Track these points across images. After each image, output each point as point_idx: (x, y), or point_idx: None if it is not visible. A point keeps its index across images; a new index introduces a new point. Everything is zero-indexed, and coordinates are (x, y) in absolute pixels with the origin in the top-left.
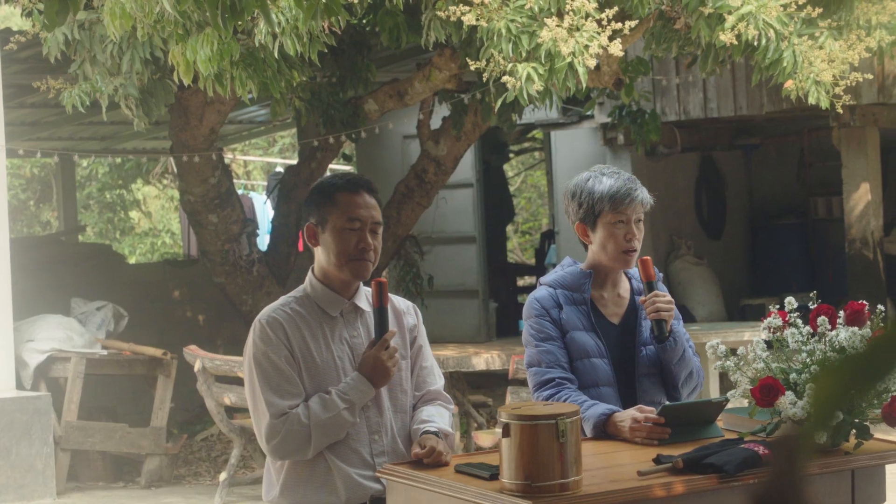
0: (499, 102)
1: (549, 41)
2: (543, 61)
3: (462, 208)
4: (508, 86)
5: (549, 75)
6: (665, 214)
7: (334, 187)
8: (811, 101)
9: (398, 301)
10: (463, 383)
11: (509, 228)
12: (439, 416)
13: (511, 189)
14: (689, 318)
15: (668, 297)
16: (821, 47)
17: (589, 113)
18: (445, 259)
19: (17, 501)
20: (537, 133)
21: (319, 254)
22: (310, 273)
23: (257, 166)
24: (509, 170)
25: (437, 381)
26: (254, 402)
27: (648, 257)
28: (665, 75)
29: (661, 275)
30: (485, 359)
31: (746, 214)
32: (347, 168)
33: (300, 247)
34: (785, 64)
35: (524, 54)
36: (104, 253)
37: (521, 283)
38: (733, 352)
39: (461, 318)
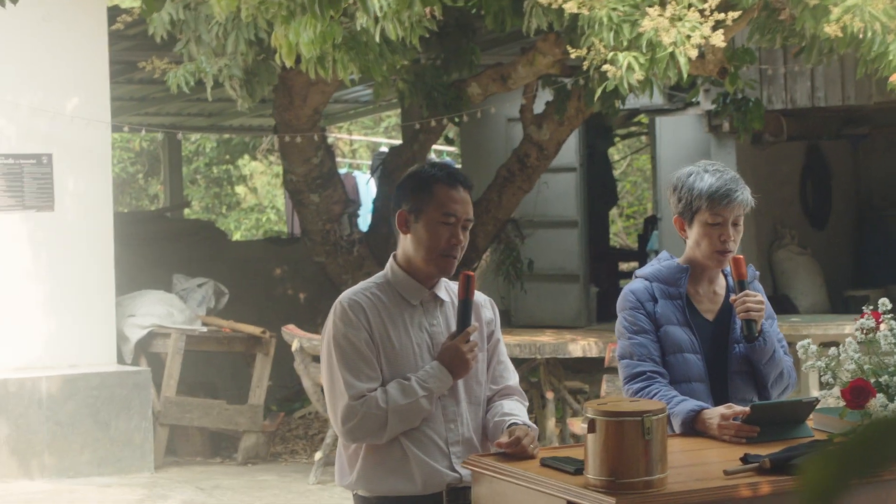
0: (599, 91)
1: (650, 31)
2: (644, 51)
3: (564, 192)
4: (609, 74)
5: (649, 65)
6: (769, 203)
7: (433, 178)
8: None
9: (476, 294)
10: (559, 369)
11: (613, 213)
12: (520, 411)
13: (616, 173)
14: (791, 308)
15: (760, 298)
16: None
17: (694, 100)
18: (547, 243)
19: (116, 474)
20: (643, 118)
21: (407, 242)
22: (392, 259)
23: (363, 145)
24: (615, 153)
25: (513, 377)
26: (331, 383)
27: (741, 256)
28: (772, 64)
29: (756, 273)
30: (581, 346)
31: (852, 205)
32: (451, 150)
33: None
34: (891, 57)
35: (625, 43)
36: (207, 229)
37: (623, 267)
38: (831, 346)
39: (561, 303)
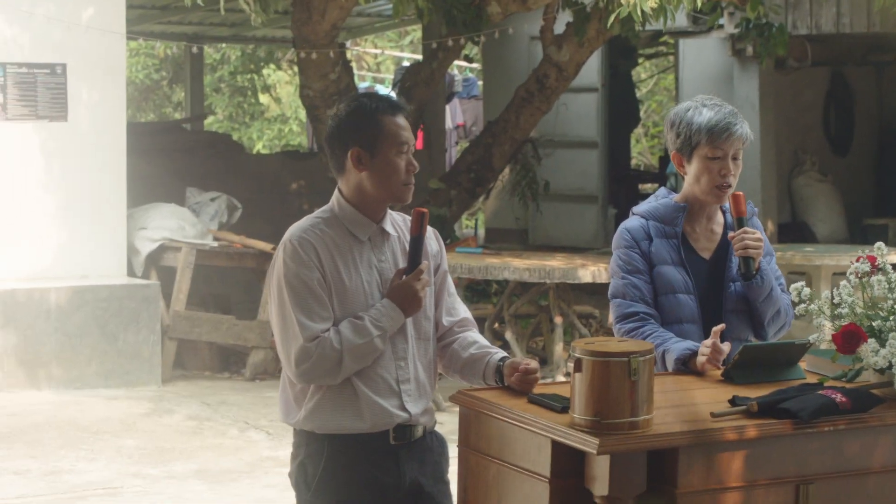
0: (612, 17)
1: None
2: None
3: (585, 113)
4: (623, 1)
5: None
6: (791, 129)
7: (378, 111)
8: None
9: None
10: (569, 294)
11: (638, 132)
12: (488, 344)
13: (643, 92)
14: (809, 236)
15: (758, 235)
16: None
17: (719, 23)
18: (566, 164)
19: (123, 387)
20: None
21: (362, 178)
22: (337, 193)
23: (388, 59)
24: (642, 72)
25: (465, 309)
26: (283, 324)
27: (741, 192)
28: None
29: (755, 210)
30: (591, 271)
31: (875, 132)
32: (474, 67)
33: (419, 145)
34: None
35: None
36: (224, 142)
37: (643, 189)
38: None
39: (579, 224)
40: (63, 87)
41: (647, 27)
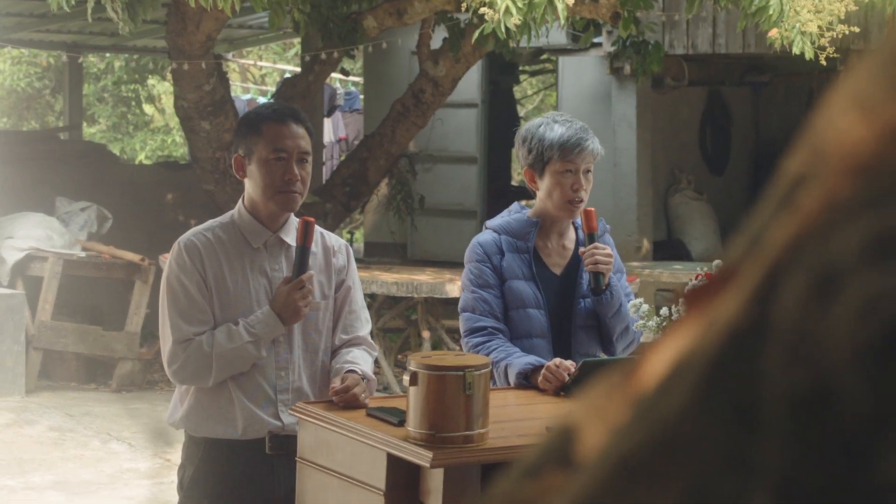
0: (476, 34)
1: None
2: None
3: (465, 128)
4: (487, 17)
5: (528, 9)
6: (668, 147)
7: (260, 118)
8: (795, 50)
9: (330, 238)
10: (437, 308)
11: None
12: (363, 361)
13: (528, 109)
14: (684, 253)
15: (608, 251)
16: None
17: (596, 40)
18: (445, 178)
19: None
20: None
21: (247, 185)
22: (240, 201)
23: (274, 71)
24: (528, 88)
25: (365, 327)
26: (161, 323)
27: (592, 208)
28: (676, 9)
29: (608, 227)
30: (459, 286)
31: (751, 152)
32: (356, 81)
33: None
34: (771, 12)
35: None
36: (98, 152)
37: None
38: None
39: (458, 238)
40: None
41: (526, 44)
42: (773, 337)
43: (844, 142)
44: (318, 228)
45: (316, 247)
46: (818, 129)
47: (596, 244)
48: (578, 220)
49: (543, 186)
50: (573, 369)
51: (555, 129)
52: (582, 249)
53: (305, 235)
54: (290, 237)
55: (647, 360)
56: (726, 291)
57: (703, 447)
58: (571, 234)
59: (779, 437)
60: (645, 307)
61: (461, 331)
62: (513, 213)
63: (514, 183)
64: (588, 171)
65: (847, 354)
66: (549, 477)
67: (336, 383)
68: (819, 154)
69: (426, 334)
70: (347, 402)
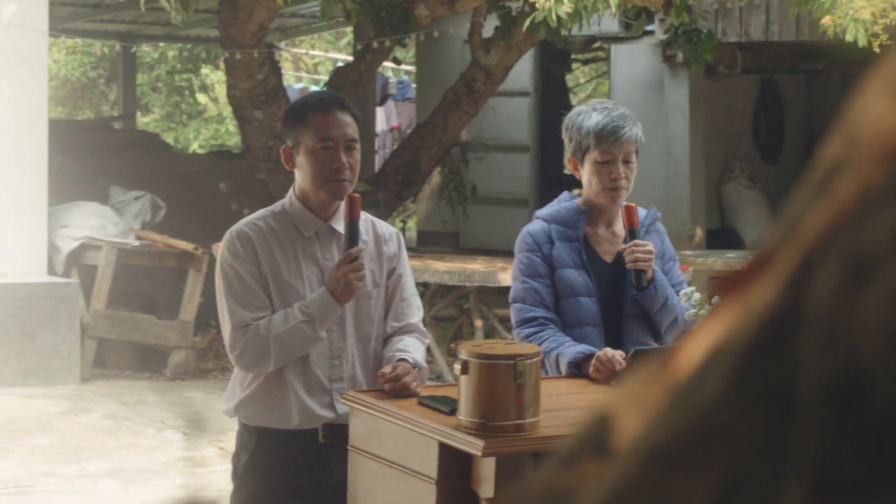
0: (527, 22)
1: None
2: None
3: (517, 117)
4: (538, 6)
5: None
6: (721, 136)
7: (306, 108)
8: (849, 38)
9: (381, 226)
10: (489, 297)
11: None
12: (415, 349)
13: (581, 97)
14: (738, 242)
15: (649, 247)
16: None
17: (649, 28)
18: (497, 167)
19: (41, 385)
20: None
21: (297, 175)
22: (291, 190)
23: (326, 60)
24: (580, 76)
25: (416, 314)
26: (220, 310)
27: (633, 204)
28: None
29: (658, 215)
30: (510, 275)
31: (804, 140)
32: (409, 69)
33: None
34: None
35: None
36: (152, 141)
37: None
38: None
39: (510, 227)
40: None
41: (578, 32)
42: (807, 324)
43: (879, 128)
44: (369, 217)
45: (367, 235)
46: (853, 115)
47: (636, 241)
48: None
49: (584, 175)
50: (624, 359)
51: (592, 117)
52: (622, 246)
53: (351, 210)
54: (341, 226)
55: (685, 347)
56: (762, 278)
57: (739, 434)
58: (622, 221)
59: (813, 424)
60: (697, 296)
61: (512, 321)
62: (562, 202)
63: (566, 171)
64: (628, 159)
65: (880, 342)
66: (586, 465)
67: (387, 370)
68: (854, 141)
69: (479, 323)
70: (397, 390)
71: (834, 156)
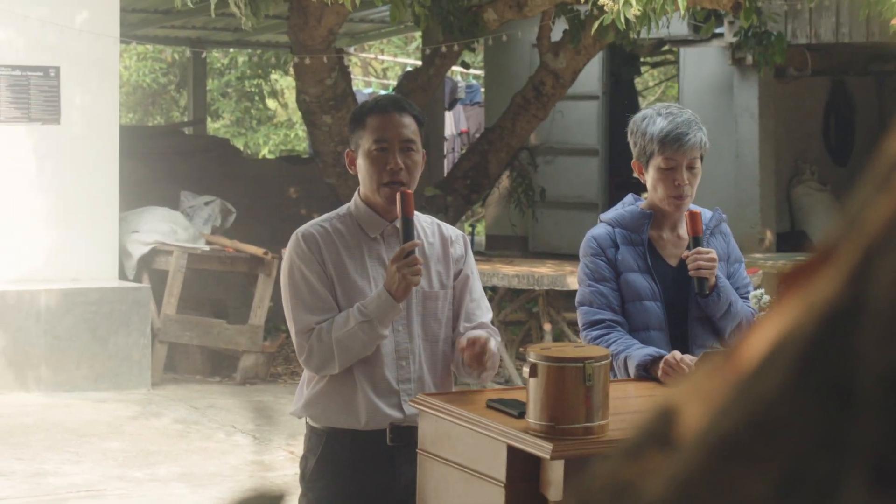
0: (596, 25)
1: None
2: None
3: (586, 120)
4: (606, 9)
5: (648, 0)
6: (791, 138)
7: (364, 111)
8: None
9: (446, 229)
10: (558, 301)
11: None
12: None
13: (650, 101)
14: (808, 245)
15: (712, 255)
16: None
17: (718, 31)
18: (566, 171)
19: (112, 390)
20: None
21: (360, 179)
22: (356, 192)
23: (395, 65)
24: (649, 79)
25: (486, 314)
26: (288, 315)
27: (698, 210)
28: None
29: (723, 216)
30: (577, 278)
31: (875, 142)
32: (477, 73)
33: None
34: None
35: None
36: (222, 146)
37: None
38: None
39: (579, 231)
40: (56, 89)
41: (646, 35)
42: (868, 316)
43: None
44: (434, 220)
45: (433, 237)
46: None
47: (699, 248)
48: (701, 209)
49: (649, 180)
50: (692, 362)
51: (657, 122)
52: (686, 253)
53: (404, 206)
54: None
55: (747, 342)
56: (824, 272)
57: (800, 426)
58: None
59: (874, 416)
60: (766, 298)
61: (579, 324)
62: (626, 206)
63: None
64: (692, 165)
65: None
66: (650, 458)
67: (462, 342)
68: None
69: (547, 327)
70: (477, 357)
71: None
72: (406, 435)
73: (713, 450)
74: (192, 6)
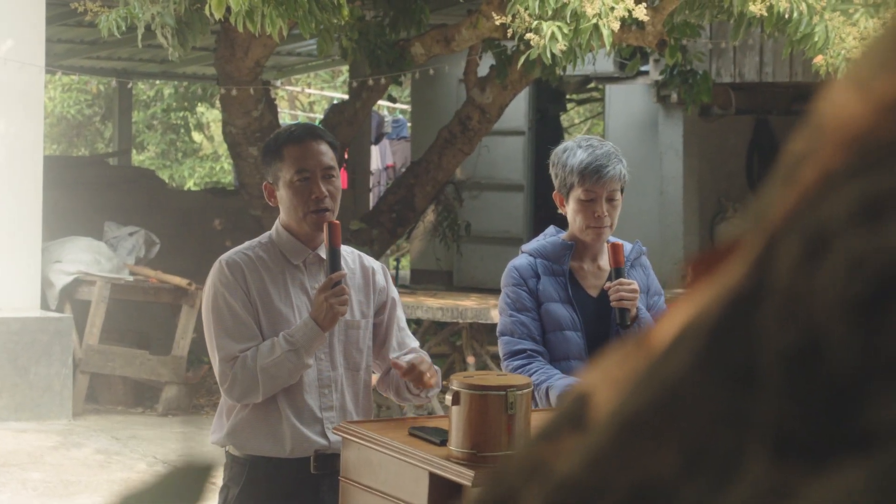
0: (522, 59)
1: (575, 1)
2: (569, 21)
3: (512, 156)
4: (532, 43)
5: (573, 35)
6: (715, 176)
7: (279, 142)
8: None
9: (367, 259)
10: (482, 334)
11: None
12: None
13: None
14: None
15: (634, 286)
16: (854, 24)
17: (644, 69)
18: (492, 206)
19: (33, 420)
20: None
21: (281, 210)
22: (277, 220)
23: (322, 99)
24: (575, 117)
25: (414, 342)
26: (210, 343)
27: (620, 242)
28: (723, 37)
29: (644, 249)
30: (498, 308)
31: None
32: (404, 108)
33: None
34: (816, 39)
35: (550, 12)
36: (146, 177)
37: None
38: None
39: (503, 266)
40: None
41: (573, 71)
42: (768, 298)
43: (840, 117)
44: (354, 251)
45: (354, 266)
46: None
47: (621, 280)
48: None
49: (569, 211)
50: None
51: (577, 154)
52: (608, 284)
53: (332, 237)
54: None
55: (658, 328)
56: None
57: (703, 405)
58: (606, 256)
59: (773, 392)
60: None
61: (500, 354)
62: (548, 237)
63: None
64: (612, 197)
65: (836, 309)
66: (564, 439)
67: (402, 367)
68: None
69: (471, 360)
70: (416, 379)
71: (799, 149)
72: (330, 463)
73: (622, 429)
74: (118, 36)
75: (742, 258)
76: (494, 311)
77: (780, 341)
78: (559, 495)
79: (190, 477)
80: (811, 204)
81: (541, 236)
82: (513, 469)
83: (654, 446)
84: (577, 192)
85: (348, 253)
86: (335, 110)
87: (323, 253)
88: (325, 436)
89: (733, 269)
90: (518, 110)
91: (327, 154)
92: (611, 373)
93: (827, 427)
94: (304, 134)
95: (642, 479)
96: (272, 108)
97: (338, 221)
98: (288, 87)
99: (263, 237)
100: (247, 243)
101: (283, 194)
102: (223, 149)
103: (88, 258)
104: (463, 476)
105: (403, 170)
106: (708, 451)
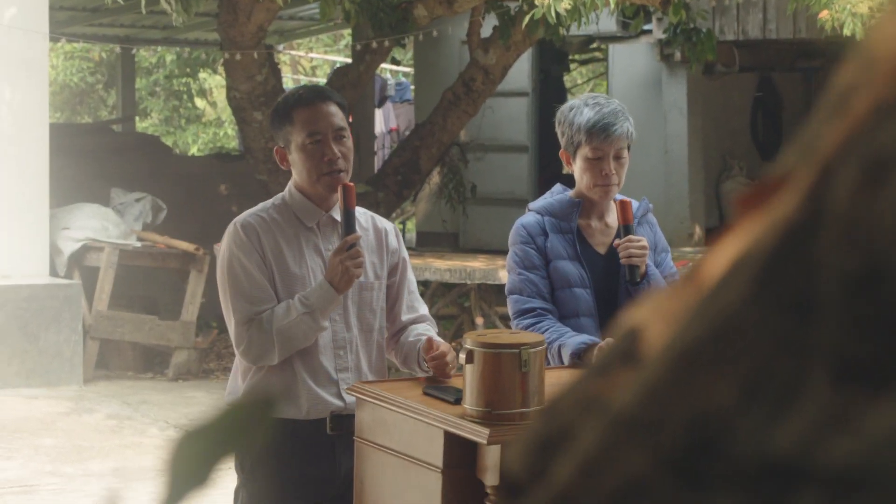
0: (526, 19)
1: None
2: None
3: (516, 117)
4: (537, 3)
5: None
6: (719, 134)
7: (288, 105)
8: (846, 32)
9: (380, 220)
10: (490, 295)
11: None
12: (431, 333)
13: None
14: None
15: (643, 242)
16: None
17: (647, 28)
18: (496, 167)
19: (44, 386)
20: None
21: (294, 173)
22: (290, 182)
23: (324, 63)
24: (578, 77)
25: (424, 306)
26: (225, 305)
27: (628, 199)
28: None
29: (650, 206)
30: (507, 267)
31: None
32: (406, 71)
33: None
34: None
35: None
36: (152, 144)
37: None
38: None
39: (509, 227)
40: None
41: (576, 31)
42: (826, 226)
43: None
44: (367, 211)
45: (367, 226)
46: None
47: (630, 237)
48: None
49: (576, 170)
50: None
51: (584, 113)
52: (617, 241)
53: (346, 199)
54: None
55: (707, 261)
56: (781, 192)
57: (762, 333)
58: (615, 213)
59: (834, 319)
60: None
61: (510, 313)
62: (555, 195)
63: (564, 171)
64: (619, 155)
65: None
66: (616, 373)
67: (430, 346)
68: (868, 63)
69: (479, 321)
70: (440, 368)
71: (847, 81)
72: (345, 423)
73: (678, 361)
74: (122, 3)
75: (793, 190)
76: (502, 272)
77: (840, 268)
78: (616, 429)
79: (253, 411)
80: (867, 133)
81: (547, 194)
82: (566, 404)
83: (711, 377)
84: (584, 151)
85: (361, 214)
86: (338, 74)
87: (336, 214)
88: (340, 397)
89: (785, 201)
90: (521, 71)
91: (337, 115)
92: (661, 307)
93: (889, 352)
94: (313, 96)
95: (700, 409)
96: (276, 72)
97: (352, 183)
98: (291, 52)
99: (277, 199)
100: (260, 205)
101: (295, 158)
102: (226, 114)
103: (96, 224)
104: (478, 434)
105: (407, 133)
106: (767, 380)
